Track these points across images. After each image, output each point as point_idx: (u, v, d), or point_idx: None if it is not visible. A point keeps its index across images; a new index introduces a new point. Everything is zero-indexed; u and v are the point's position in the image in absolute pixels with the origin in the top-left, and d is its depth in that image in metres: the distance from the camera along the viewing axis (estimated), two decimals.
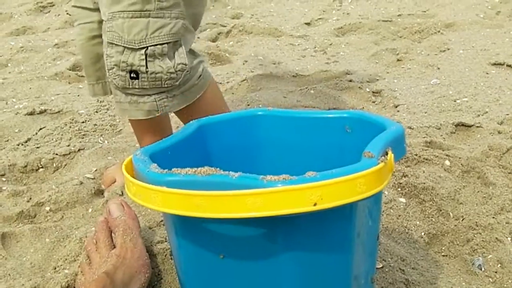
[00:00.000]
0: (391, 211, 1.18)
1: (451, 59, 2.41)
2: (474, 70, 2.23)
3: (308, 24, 3.22)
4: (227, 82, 2.14)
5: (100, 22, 1.14)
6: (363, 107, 1.90)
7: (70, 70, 2.31)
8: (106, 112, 1.84)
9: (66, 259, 1.04)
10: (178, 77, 1.07)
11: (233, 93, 2.03)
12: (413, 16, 3.21)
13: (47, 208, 1.23)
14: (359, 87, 2.05)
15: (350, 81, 2.11)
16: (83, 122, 1.74)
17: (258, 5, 3.71)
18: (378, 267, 0.99)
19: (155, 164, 0.69)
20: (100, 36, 1.12)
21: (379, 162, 0.62)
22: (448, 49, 2.55)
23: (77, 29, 1.20)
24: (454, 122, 1.66)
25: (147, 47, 1.03)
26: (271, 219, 0.59)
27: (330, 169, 0.59)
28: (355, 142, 0.81)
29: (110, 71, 1.07)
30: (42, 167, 1.45)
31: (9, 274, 1.01)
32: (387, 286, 0.95)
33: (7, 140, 1.62)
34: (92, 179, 1.36)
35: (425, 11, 3.32)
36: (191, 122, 0.89)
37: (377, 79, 2.18)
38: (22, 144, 1.57)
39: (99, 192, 1.32)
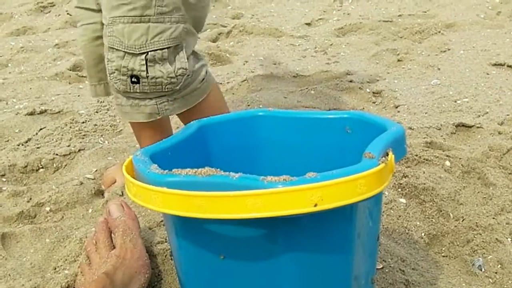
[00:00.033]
0: (391, 211, 1.18)
1: (452, 59, 2.41)
2: (474, 70, 2.23)
3: (308, 24, 3.22)
4: (228, 83, 2.14)
5: None
6: (364, 108, 1.90)
7: (70, 70, 2.31)
8: (106, 113, 1.84)
9: (66, 260, 1.04)
10: (178, 81, 1.07)
11: (233, 94, 2.03)
12: (413, 17, 3.21)
13: (47, 209, 1.23)
14: (360, 88, 2.04)
15: (351, 81, 2.11)
16: (83, 123, 1.74)
17: (259, 6, 3.71)
18: (378, 267, 0.99)
19: (156, 165, 0.69)
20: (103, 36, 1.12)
21: (379, 163, 0.62)
22: (449, 49, 2.55)
23: (80, 30, 1.20)
24: (454, 122, 1.66)
25: (147, 52, 1.04)
26: (272, 220, 0.59)
27: (331, 169, 0.59)
28: (355, 142, 0.81)
29: (111, 75, 1.07)
30: (42, 168, 1.45)
31: (9, 275, 1.01)
32: (387, 286, 0.95)
33: (7, 140, 1.62)
34: (92, 179, 1.36)
35: (425, 12, 3.32)
36: (191, 122, 0.89)
37: (378, 80, 2.18)
38: (22, 144, 1.57)
39: (99, 193, 1.32)
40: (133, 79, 1.05)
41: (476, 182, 1.31)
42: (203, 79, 1.15)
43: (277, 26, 3.11)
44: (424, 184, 1.24)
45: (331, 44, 2.73)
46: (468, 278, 1.01)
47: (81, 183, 1.31)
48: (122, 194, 1.26)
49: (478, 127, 1.63)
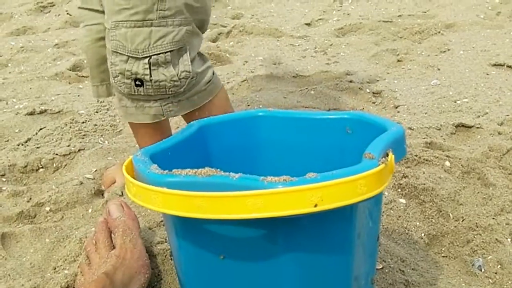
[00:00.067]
0: (391, 212, 1.18)
1: (452, 60, 2.41)
2: (474, 71, 2.23)
3: (308, 24, 3.22)
4: (227, 83, 2.14)
5: None
6: (363, 108, 1.90)
7: (70, 70, 2.31)
8: (106, 113, 1.84)
9: (66, 260, 1.04)
10: (182, 84, 1.08)
11: (233, 94, 2.03)
12: (413, 17, 3.21)
13: (47, 208, 1.23)
14: (359, 88, 2.04)
15: (351, 81, 2.11)
16: (83, 123, 1.74)
17: (259, 6, 3.71)
18: (378, 268, 0.99)
19: (156, 165, 0.69)
20: None
21: (379, 163, 0.62)
22: (449, 49, 2.55)
23: (83, 30, 1.20)
24: (454, 123, 1.66)
25: (150, 56, 1.04)
26: (272, 220, 0.59)
27: (331, 170, 0.59)
28: (355, 143, 0.81)
29: (116, 78, 1.08)
30: (42, 167, 1.45)
31: (9, 274, 1.01)
32: (387, 287, 0.95)
33: (7, 140, 1.62)
34: (92, 179, 1.36)
35: (425, 12, 3.32)
36: (191, 123, 0.89)
37: (378, 80, 2.18)
38: (22, 144, 1.57)
39: (99, 193, 1.32)
40: (137, 82, 1.06)
41: (476, 183, 1.31)
42: (209, 81, 1.15)
43: (277, 26, 3.11)
44: (424, 184, 1.24)
45: (331, 44, 2.73)
46: (468, 279, 1.01)
47: (81, 183, 1.31)
48: (122, 194, 1.26)
49: (478, 128, 1.63)
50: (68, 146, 1.55)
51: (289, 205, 0.57)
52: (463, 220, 1.16)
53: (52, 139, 1.61)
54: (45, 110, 1.81)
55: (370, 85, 2.11)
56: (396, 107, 1.89)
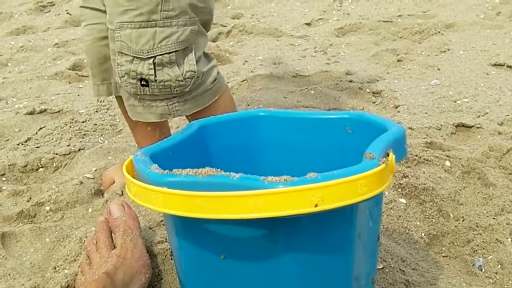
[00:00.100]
0: (392, 211, 1.18)
1: (452, 59, 2.41)
2: (474, 70, 2.23)
3: (308, 24, 3.22)
4: (228, 82, 2.13)
5: None
6: (363, 108, 1.90)
7: (70, 69, 2.31)
8: (106, 112, 1.84)
9: (66, 259, 1.03)
10: (187, 83, 1.08)
11: (233, 93, 2.03)
12: (413, 17, 3.21)
13: (47, 208, 1.23)
14: (360, 88, 2.04)
15: (351, 81, 2.11)
16: (83, 122, 1.74)
17: (259, 5, 3.71)
18: (379, 267, 0.99)
19: (156, 165, 0.69)
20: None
21: (380, 163, 0.62)
22: (449, 49, 2.55)
23: (85, 29, 1.20)
24: (454, 122, 1.66)
25: (155, 56, 1.05)
26: (272, 220, 0.59)
27: (331, 170, 0.59)
28: (356, 143, 0.81)
29: (122, 78, 1.09)
30: (42, 167, 1.45)
31: (9, 274, 1.01)
32: (388, 286, 0.95)
33: (7, 140, 1.62)
34: (92, 179, 1.36)
35: (425, 12, 3.32)
36: (191, 122, 0.89)
37: (378, 80, 2.18)
38: (22, 144, 1.57)
39: (99, 192, 1.32)
40: (142, 83, 1.07)
41: (476, 182, 1.31)
42: (215, 80, 1.16)
43: (277, 26, 3.11)
44: (424, 184, 1.24)
45: (331, 44, 2.73)
46: (468, 278, 1.01)
47: (81, 183, 1.31)
48: (122, 193, 1.26)
49: (478, 127, 1.63)
50: (68, 145, 1.55)
51: (289, 205, 0.57)
52: (463, 220, 1.16)
53: (52, 139, 1.61)
54: (45, 110, 1.81)
55: (370, 85, 2.11)
56: (396, 107, 1.89)
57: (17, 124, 1.71)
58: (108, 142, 1.62)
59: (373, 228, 0.74)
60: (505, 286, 0.99)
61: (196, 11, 1.09)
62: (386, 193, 1.24)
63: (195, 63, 1.08)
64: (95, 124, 1.73)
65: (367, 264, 0.75)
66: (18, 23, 3.25)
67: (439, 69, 2.28)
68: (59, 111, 1.82)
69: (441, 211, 1.18)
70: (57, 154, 1.50)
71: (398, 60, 2.43)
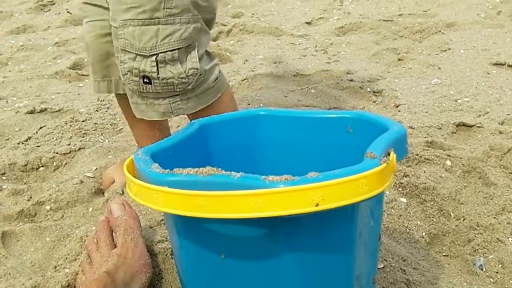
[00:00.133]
0: (392, 211, 1.18)
1: (452, 59, 2.40)
2: (475, 70, 2.23)
3: (309, 23, 3.22)
4: (228, 81, 2.13)
5: None
6: (364, 107, 1.90)
7: (70, 68, 2.31)
8: (106, 111, 1.84)
9: (66, 258, 1.03)
10: (190, 81, 1.08)
11: (234, 93, 2.03)
12: (414, 16, 3.21)
13: (48, 207, 1.23)
14: (360, 87, 2.04)
15: (351, 80, 2.11)
16: (83, 121, 1.74)
17: (259, 4, 3.70)
18: (379, 267, 0.99)
19: (157, 164, 0.69)
20: (111, 34, 1.12)
21: (381, 162, 0.62)
22: (449, 49, 2.55)
23: (87, 26, 1.20)
24: (455, 122, 1.66)
25: (158, 53, 1.05)
26: (273, 219, 0.59)
27: (332, 169, 0.59)
28: (357, 142, 0.81)
29: (125, 76, 1.09)
30: (42, 166, 1.45)
31: (10, 273, 1.01)
32: (388, 286, 0.95)
33: (8, 139, 1.62)
34: (93, 178, 1.36)
35: (426, 11, 3.32)
36: (192, 121, 0.89)
37: (378, 79, 2.18)
38: (23, 143, 1.57)
39: (100, 191, 1.32)
40: (145, 80, 1.07)
41: (477, 182, 1.31)
42: (217, 78, 1.16)
43: (278, 25, 3.10)
44: (425, 183, 1.24)
45: (331, 43, 2.73)
46: (469, 278, 1.01)
47: (81, 182, 1.31)
48: (123, 193, 1.26)
49: (478, 127, 1.63)
50: (69, 144, 1.55)
51: (290, 205, 0.57)
52: (464, 219, 1.16)
53: (53, 138, 1.61)
54: (45, 109, 1.81)
55: (370, 84, 2.10)
56: (397, 106, 1.89)
57: (18, 123, 1.71)
58: (108, 141, 1.62)
59: (374, 227, 0.74)
60: (506, 286, 0.99)
61: (199, 9, 1.09)
62: (387, 192, 1.24)
63: (197, 60, 1.08)
64: (96, 123, 1.73)
65: (368, 263, 0.75)
66: (18, 22, 3.25)
67: (439, 68, 2.28)
68: (59, 110, 1.82)
69: (442, 210, 1.18)
70: (57, 153, 1.50)
71: (399, 59, 2.43)
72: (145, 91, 1.09)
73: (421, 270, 1.02)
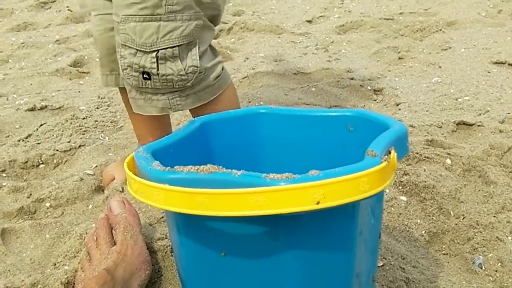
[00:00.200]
0: (392, 209, 1.18)
1: (453, 57, 2.40)
2: (475, 68, 2.23)
3: (309, 21, 3.21)
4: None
5: None
6: (365, 105, 1.90)
7: (71, 66, 2.31)
8: (107, 109, 1.84)
9: (66, 255, 1.03)
10: (189, 78, 1.08)
11: None
12: (414, 14, 3.21)
13: (47, 204, 1.23)
14: (361, 85, 2.04)
15: (352, 79, 2.11)
16: (83, 118, 1.74)
17: (260, 2, 3.70)
18: (379, 265, 0.99)
19: (157, 162, 0.69)
20: None
21: (382, 161, 0.62)
22: (450, 47, 2.55)
23: (95, 19, 1.20)
24: (455, 120, 1.66)
25: (158, 50, 1.05)
26: (274, 217, 0.59)
27: (333, 167, 0.59)
28: (357, 140, 0.81)
29: (124, 71, 1.09)
30: (42, 163, 1.45)
31: (9, 270, 1.01)
32: (388, 284, 0.95)
33: (8, 136, 1.62)
34: (93, 175, 1.36)
35: (426, 9, 3.31)
36: (193, 119, 0.89)
37: (379, 77, 2.18)
38: (23, 140, 1.57)
39: (100, 189, 1.32)
40: (144, 76, 1.07)
41: (476, 180, 1.31)
42: (218, 76, 1.16)
43: (278, 23, 3.10)
44: (425, 182, 1.24)
45: (332, 42, 2.73)
46: (469, 276, 1.01)
47: (81, 179, 1.31)
48: (123, 190, 1.26)
49: (479, 125, 1.63)
50: (69, 142, 1.55)
51: (291, 203, 0.57)
52: (463, 218, 1.16)
53: (53, 135, 1.61)
54: (46, 106, 1.81)
55: (371, 82, 2.10)
56: (397, 105, 1.89)
57: (18, 120, 1.71)
58: (108, 139, 1.62)
59: (375, 225, 0.74)
60: (505, 284, 0.99)
61: (202, 6, 1.09)
62: (387, 190, 1.24)
63: (198, 58, 1.08)
64: (96, 121, 1.73)
65: (368, 261, 0.75)
66: (19, 20, 3.25)
67: (440, 67, 2.28)
68: (59, 108, 1.82)
69: (441, 209, 1.18)
70: (57, 150, 1.50)
71: (399, 58, 2.43)
72: (144, 86, 1.09)
73: (420, 268, 1.02)
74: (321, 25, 3.11)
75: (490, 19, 3.02)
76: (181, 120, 1.73)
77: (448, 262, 1.06)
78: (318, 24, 3.16)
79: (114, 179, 1.31)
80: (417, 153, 1.40)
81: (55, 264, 1.02)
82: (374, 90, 2.03)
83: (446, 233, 1.13)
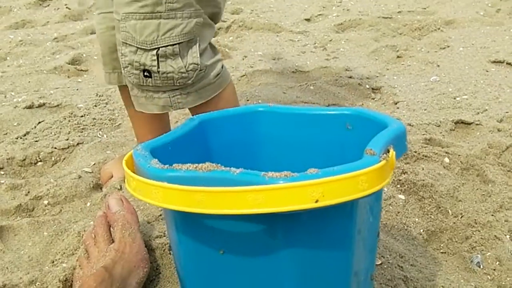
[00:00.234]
0: (390, 207, 1.18)
1: (451, 56, 2.40)
2: (474, 67, 2.23)
3: (308, 20, 3.21)
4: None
5: None
6: (363, 104, 1.90)
7: (69, 64, 2.30)
8: (105, 106, 1.84)
9: (64, 253, 1.03)
10: (190, 76, 1.08)
11: None
12: (413, 13, 3.21)
13: (45, 202, 1.23)
14: (359, 84, 2.04)
15: (350, 77, 2.11)
16: (82, 116, 1.74)
17: (258, 1, 3.70)
18: (377, 263, 0.99)
19: (156, 160, 0.68)
20: None
21: (381, 159, 0.62)
22: (448, 46, 2.55)
23: (98, 17, 1.21)
24: (453, 119, 1.66)
25: (158, 48, 1.05)
26: (272, 215, 0.59)
27: (331, 166, 0.59)
28: (356, 139, 0.81)
29: (125, 69, 1.09)
30: (40, 161, 1.45)
31: (7, 268, 1.01)
32: (386, 282, 0.95)
33: (6, 134, 1.62)
34: (91, 173, 1.36)
35: (425, 8, 3.32)
36: (192, 117, 0.89)
37: (377, 76, 2.18)
38: (21, 138, 1.56)
39: (98, 186, 1.32)
40: (145, 73, 1.07)
41: (475, 179, 1.31)
42: (218, 73, 1.16)
43: (277, 21, 3.10)
44: (423, 180, 1.24)
45: (330, 40, 2.73)
46: (467, 275, 1.01)
47: (80, 177, 1.31)
48: (121, 188, 1.26)
49: (477, 124, 1.63)
50: (67, 139, 1.55)
51: (290, 201, 0.57)
52: (462, 217, 1.16)
53: (51, 133, 1.61)
54: (44, 104, 1.81)
55: (369, 81, 2.10)
56: (396, 103, 1.89)
57: (16, 118, 1.70)
58: (106, 137, 1.62)
59: (373, 224, 0.74)
60: (503, 283, 0.99)
61: (202, 4, 1.09)
62: (385, 189, 1.24)
63: (198, 56, 1.08)
64: (94, 119, 1.73)
65: (367, 260, 0.75)
66: (17, 17, 3.25)
67: (438, 65, 2.28)
68: (58, 105, 1.82)
69: (439, 207, 1.18)
70: (55, 148, 1.49)
71: (398, 57, 2.43)
72: (145, 84, 1.09)
73: (418, 267, 1.02)
74: (320, 23, 3.11)
75: (489, 18, 3.02)
76: (179, 118, 1.73)
77: (446, 261, 1.06)
78: (316, 22, 3.16)
79: (112, 177, 1.31)
80: (415, 152, 1.40)
81: (53, 262, 1.02)
82: (372, 89, 2.03)
83: (444, 231, 1.13)
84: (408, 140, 1.48)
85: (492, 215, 1.16)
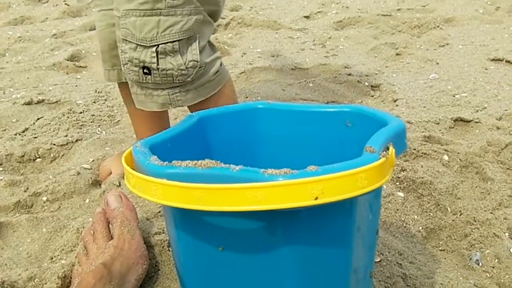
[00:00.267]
0: (389, 205, 1.18)
1: (450, 54, 2.40)
2: (473, 65, 2.23)
3: (307, 17, 3.21)
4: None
5: None
6: (362, 101, 1.90)
7: (68, 60, 2.30)
8: (104, 103, 1.84)
9: (63, 250, 1.03)
10: (189, 73, 1.08)
11: None
12: (412, 11, 3.21)
13: (44, 198, 1.23)
14: (358, 81, 2.04)
15: (349, 74, 2.11)
16: (81, 113, 1.74)
17: None
18: (376, 261, 0.99)
19: (155, 156, 0.68)
20: None
21: (380, 157, 0.62)
22: (447, 44, 2.55)
23: (98, 14, 1.21)
24: (452, 117, 1.66)
25: (158, 44, 1.05)
26: (271, 212, 0.59)
27: (331, 163, 0.59)
28: (355, 136, 0.81)
29: (125, 66, 1.09)
30: (39, 157, 1.45)
31: (6, 264, 1.01)
32: (385, 279, 0.95)
33: (5, 130, 1.62)
34: (90, 169, 1.36)
35: (424, 6, 3.31)
36: (191, 114, 0.89)
37: (376, 73, 2.18)
38: (20, 134, 1.56)
39: (96, 183, 1.32)
40: (145, 71, 1.07)
41: (474, 177, 1.31)
42: (217, 71, 1.16)
43: (276, 18, 3.10)
44: (422, 178, 1.24)
45: (329, 37, 2.73)
46: (465, 272, 1.01)
47: (78, 173, 1.31)
48: (120, 184, 1.26)
49: (476, 122, 1.63)
50: (66, 136, 1.55)
51: (289, 198, 0.57)
52: (461, 214, 1.16)
53: (50, 129, 1.61)
54: (43, 100, 1.81)
55: (368, 78, 2.10)
56: (395, 101, 1.89)
57: (15, 114, 1.70)
58: (105, 133, 1.62)
59: (372, 221, 0.74)
60: (502, 280, 0.99)
61: (201, 1, 1.08)
62: (384, 186, 1.24)
63: (198, 53, 1.08)
64: (93, 115, 1.73)
65: (366, 257, 0.75)
66: (16, 14, 3.24)
67: (437, 63, 2.28)
68: (56, 102, 1.82)
69: (438, 205, 1.19)
70: (54, 144, 1.49)
71: (397, 54, 2.43)
72: (144, 81, 1.09)
73: (417, 264, 1.02)
74: (319, 20, 3.11)
75: (488, 16, 3.02)
76: (178, 115, 1.73)
77: (445, 258, 1.06)
78: (315, 19, 3.16)
79: (111, 173, 1.31)
80: (414, 149, 1.40)
81: (52, 258, 1.02)
82: (372, 86, 2.03)
83: (443, 229, 1.13)
84: (407, 137, 1.48)
85: (491, 212, 1.16)
